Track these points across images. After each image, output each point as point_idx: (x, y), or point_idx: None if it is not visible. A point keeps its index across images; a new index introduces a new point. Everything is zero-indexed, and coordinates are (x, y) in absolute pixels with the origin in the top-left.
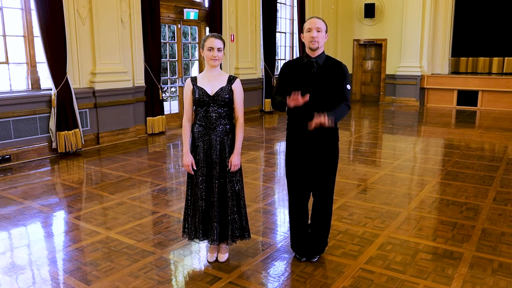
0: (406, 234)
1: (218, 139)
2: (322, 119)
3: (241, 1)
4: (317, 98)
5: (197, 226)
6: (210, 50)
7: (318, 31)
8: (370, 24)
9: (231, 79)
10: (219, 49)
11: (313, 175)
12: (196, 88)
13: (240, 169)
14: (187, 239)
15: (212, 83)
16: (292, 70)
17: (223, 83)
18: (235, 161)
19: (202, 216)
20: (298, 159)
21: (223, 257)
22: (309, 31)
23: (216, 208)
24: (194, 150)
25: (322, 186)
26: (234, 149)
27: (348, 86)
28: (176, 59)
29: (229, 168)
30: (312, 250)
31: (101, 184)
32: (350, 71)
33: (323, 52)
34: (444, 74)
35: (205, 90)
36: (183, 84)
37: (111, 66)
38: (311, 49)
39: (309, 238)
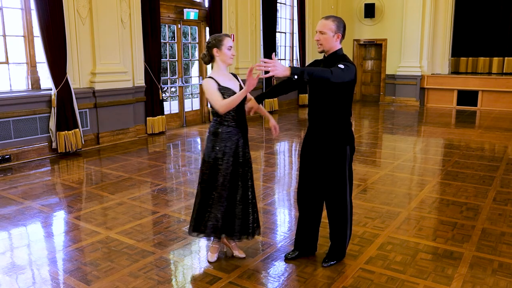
0: (406, 234)
1: (245, 137)
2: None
3: (241, 1)
4: (320, 100)
5: (219, 223)
6: (229, 49)
7: (322, 34)
8: (370, 24)
9: (236, 75)
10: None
11: (320, 178)
12: (222, 89)
13: (251, 167)
14: (201, 237)
15: (232, 82)
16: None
17: (236, 80)
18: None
19: (225, 214)
20: (306, 161)
21: (243, 252)
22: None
23: (239, 205)
24: (221, 151)
25: (330, 190)
26: (268, 116)
27: (341, 66)
28: (176, 59)
29: (274, 134)
30: (327, 255)
31: (101, 184)
32: None
33: (335, 52)
34: (444, 74)
35: (233, 90)
36: (183, 84)
37: (111, 66)
38: (318, 52)
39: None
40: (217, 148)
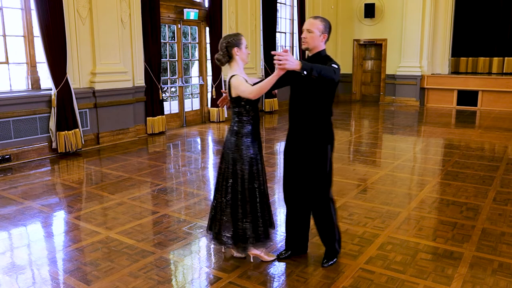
0: (406, 234)
1: None
2: (283, 54)
3: (241, 1)
4: (303, 100)
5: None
6: (246, 47)
7: (309, 32)
8: (370, 24)
9: None
10: None
11: (301, 178)
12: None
13: None
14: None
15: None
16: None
17: None
18: None
19: (268, 209)
20: (289, 161)
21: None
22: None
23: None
24: (255, 150)
25: (312, 189)
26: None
27: (335, 65)
28: (176, 59)
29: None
30: (325, 255)
31: (101, 184)
32: (350, 71)
33: (319, 52)
34: (444, 74)
35: None
36: (183, 84)
37: (111, 66)
38: (303, 48)
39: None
40: (252, 147)
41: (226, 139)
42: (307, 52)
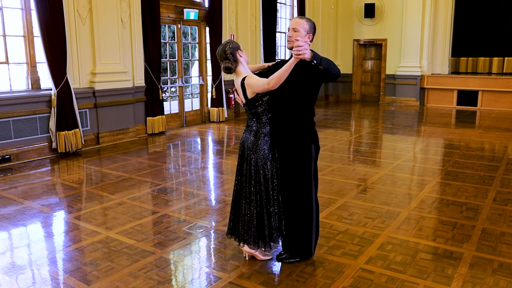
0: (406, 234)
1: None
2: (301, 45)
3: (241, 1)
4: (289, 95)
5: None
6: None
7: (294, 31)
8: (370, 24)
9: None
10: None
11: (285, 178)
12: None
13: None
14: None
15: None
16: (277, 67)
17: None
18: None
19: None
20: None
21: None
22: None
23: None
24: (270, 149)
25: (295, 189)
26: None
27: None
28: (176, 59)
29: None
30: (291, 251)
31: (101, 184)
32: (350, 71)
33: None
34: (444, 74)
35: None
36: (183, 84)
37: (111, 66)
38: (288, 48)
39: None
40: (269, 148)
41: (244, 139)
42: (291, 51)
